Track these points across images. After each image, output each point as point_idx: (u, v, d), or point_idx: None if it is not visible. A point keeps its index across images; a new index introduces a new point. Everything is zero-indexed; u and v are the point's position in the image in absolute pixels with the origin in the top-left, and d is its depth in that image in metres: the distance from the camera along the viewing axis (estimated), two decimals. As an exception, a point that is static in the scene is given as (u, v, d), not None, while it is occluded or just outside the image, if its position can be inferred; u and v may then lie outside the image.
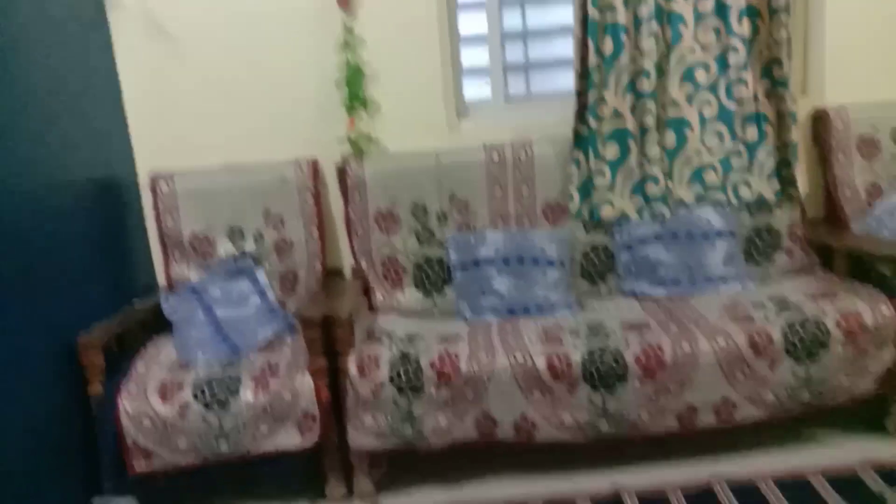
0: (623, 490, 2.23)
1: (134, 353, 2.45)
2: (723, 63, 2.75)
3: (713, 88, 2.77)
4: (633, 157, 2.76)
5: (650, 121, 2.73)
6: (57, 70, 2.40)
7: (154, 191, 2.80)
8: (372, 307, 2.80)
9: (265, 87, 2.87)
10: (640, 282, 2.76)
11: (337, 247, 2.98)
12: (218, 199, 2.80)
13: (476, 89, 3.07)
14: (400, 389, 2.23)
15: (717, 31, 2.73)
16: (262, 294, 2.71)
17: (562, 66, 3.01)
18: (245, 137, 2.89)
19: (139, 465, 2.24)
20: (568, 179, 2.80)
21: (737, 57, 2.72)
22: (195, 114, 2.89)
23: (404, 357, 2.27)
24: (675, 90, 2.78)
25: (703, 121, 2.79)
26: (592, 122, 2.74)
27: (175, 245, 2.81)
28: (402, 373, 2.24)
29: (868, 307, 2.29)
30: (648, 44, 2.68)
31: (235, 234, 2.82)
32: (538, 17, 3.05)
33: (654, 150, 2.75)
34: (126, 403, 2.21)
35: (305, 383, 2.24)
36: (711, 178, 2.80)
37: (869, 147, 2.86)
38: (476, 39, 3.02)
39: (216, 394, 2.21)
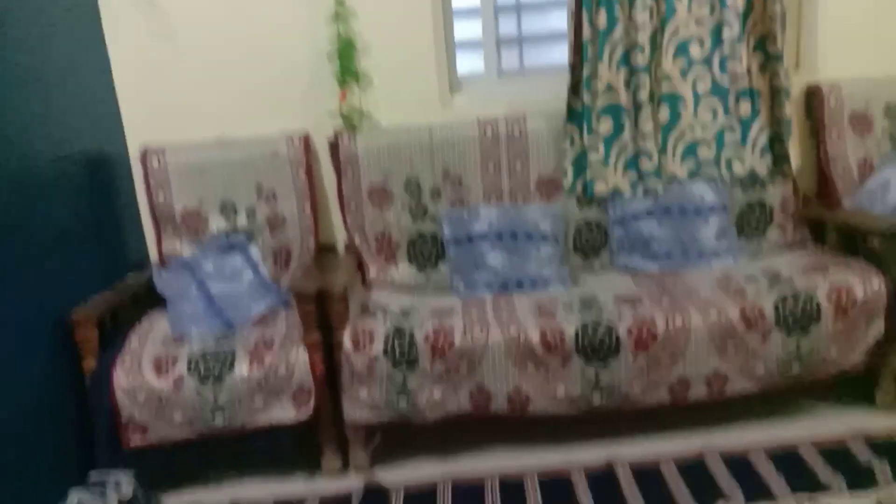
0: (616, 462, 2.25)
1: (127, 328, 2.44)
2: (717, 37, 2.74)
3: (707, 63, 2.76)
4: (626, 133, 2.75)
5: (644, 95, 2.72)
6: (43, 43, 2.37)
7: (145, 165, 2.77)
8: (365, 282, 2.79)
9: (256, 59, 2.84)
10: (633, 256, 2.77)
11: (330, 222, 2.97)
12: (210, 174, 2.78)
13: (469, 63, 3.05)
14: (394, 363, 2.24)
15: (712, 5, 2.71)
16: (255, 269, 2.70)
17: (556, 40, 2.99)
18: (236, 111, 2.86)
19: (134, 439, 2.24)
20: (562, 155, 2.79)
21: (731, 31, 2.70)
22: (185, 87, 2.85)
23: (399, 331, 2.27)
24: (669, 65, 2.77)
25: (696, 96, 2.78)
26: (586, 97, 2.73)
27: (167, 220, 2.80)
28: (396, 347, 2.24)
29: (859, 281, 2.31)
30: (643, 17, 2.66)
31: (228, 210, 2.81)
32: (532, -10, 3.03)
33: (647, 126, 2.75)
34: (120, 378, 2.20)
35: (300, 357, 2.24)
36: (704, 153, 2.80)
37: (861, 123, 2.87)
38: (469, 12, 2.99)
39: (211, 368, 2.21)
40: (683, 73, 2.77)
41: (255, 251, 2.74)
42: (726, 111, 2.78)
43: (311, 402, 2.26)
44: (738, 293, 2.36)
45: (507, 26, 3.04)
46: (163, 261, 2.81)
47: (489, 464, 2.34)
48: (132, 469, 2.19)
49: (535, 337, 2.24)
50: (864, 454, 2.17)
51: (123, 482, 2.10)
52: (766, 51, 2.74)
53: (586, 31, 2.67)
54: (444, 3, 2.91)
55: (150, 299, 2.61)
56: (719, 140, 2.80)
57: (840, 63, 2.91)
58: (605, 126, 2.76)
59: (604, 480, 2.18)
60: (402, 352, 2.24)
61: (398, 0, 2.81)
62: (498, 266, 2.66)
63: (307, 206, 2.82)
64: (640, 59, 2.69)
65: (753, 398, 2.35)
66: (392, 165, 2.78)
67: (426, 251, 2.82)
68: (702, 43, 2.75)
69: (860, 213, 2.69)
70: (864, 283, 2.30)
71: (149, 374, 2.21)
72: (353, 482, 2.31)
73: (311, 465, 2.40)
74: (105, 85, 2.80)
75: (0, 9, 2.13)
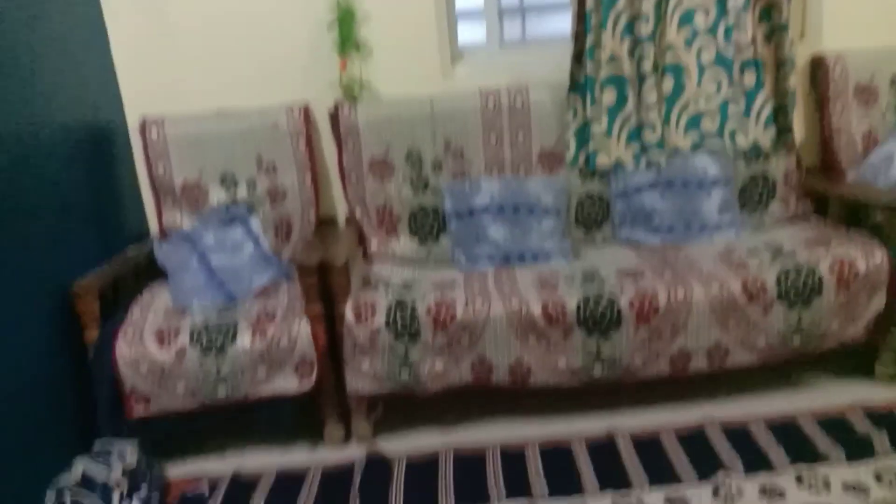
0: (617, 432, 2.27)
1: (128, 300, 2.44)
2: (722, 6, 2.70)
3: (712, 32, 2.72)
4: (630, 104, 2.73)
5: (648, 66, 2.69)
6: (40, 14, 2.33)
7: (144, 136, 2.75)
8: (366, 255, 2.79)
9: (255, 28, 2.80)
10: (635, 229, 2.76)
11: (330, 195, 2.96)
12: (209, 146, 2.76)
13: (470, 33, 3.01)
14: (397, 335, 2.24)
15: (717, -27, 2.68)
16: (256, 242, 2.70)
17: (558, 9, 2.95)
18: (235, 81, 2.83)
19: (137, 410, 2.25)
20: (564, 126, 2.77)
21: (736, 0, 2.67)
22: (184, 57, 2.82)
23: (400, 304, 2.27)
24: (674, 34, 2.73)
25: (700, 66, 2.75)
26: (589, 67, 2.69)
27: (167, 192, 2.78)
28: (398, 319, 2.24)
29: (861, 254, 2.31)
30: (648, -15, 2.62)
31: (228, 181, 2.79)
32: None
33: (651, 97, 2.72)
34: (123, 349, 2.21)
35: (302, 329, 2.24)
36: (708, 125, 2.78)
37: (866, 94, 2.84)
38: (471, -19, 2.96)
39: (213, 339, 2.22)
40: (688, 43, 2.73)
41: (255, 223, 2.73)
42: (731, 82, 2.75)
43: (314, 374, 2.27)
44: (740, 266, 2.36)
45: (510, -5, 3.01)
46: (163, 233, 2.80)
47: (490, 434, 2.36)
48: (136, 438, 2.21)
49: (536, 310, 2.25)
50: (862, 425, 2.19)
51: (128, 451, 2.12)
52: (772, 20, 2.71)
53: (590, 0, 2.63)
54: (445, -29, 2.87)
55: (151, 271, 2.61)
56: (723, 112, 2.78)
57: (846, 33, 2.87)
58: (609, 97, 2.74)
59: (604, 450, 2.20)
60: (404, 324, 2.24)
61: (399, -32, 2.77)
62: (499, 239, 2.66)
63: (308, 177, 2.80)
64: (644, 28, 2.66)
65: (754, 370, 2.36)
66: (393, 137, 2.76)
67: (427, 224, 2.81)
68: (707, 12, 2.71)
69: (863, 187, 2.68)
70: (867, 257, 2.30)
71: (151, 346, 2.21)
72: (355, 452, 2.33)
73: (313, 435, 2.42)
74: (103, 56, 2.77)
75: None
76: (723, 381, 2.41)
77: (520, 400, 2.45)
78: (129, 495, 2.03)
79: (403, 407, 2.44)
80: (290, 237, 2.81)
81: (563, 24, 2.79)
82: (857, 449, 2.06)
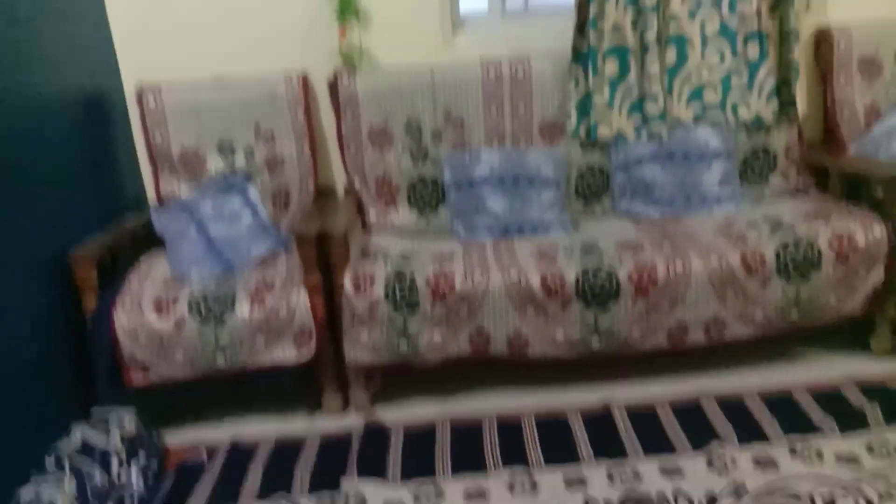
0: (613, 404, 2.28)
1: (126, 269, 2.43)
2: (727, -24, 2.67)
3: (716, 4, 2.69)
4: (632, 75, 2.70)
5: (651, 36, 2.66)
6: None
7: (141, 104, 2.72)
8: (365, 226, 2.78)
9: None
10: (634, 202, 2.75)
11: (329, 165, 2.94)
12: (207, 114, 2.74)
13: (472, 2, 2.97)
14: (395, 306, 2.25)
15: (722, -57, 2.64)
16: (254, 211, 2.68)
17: (561, -21, 2.91)
18: (232, 48, 2.79)
19: (136, 378, 2.26)
20: (566, 97, 2.75)
21: (741, -29, 2.64)
22: (180, 23, 2.78)
23: (399, 275, 2.27)
24: (677, 4, 2.69)
25: (704, 37, 2.72)
26: (592, 37, 2.66)
27: (164, 160, 2.76)
28: (397, 290, 2.24)
29: (861, 228, 2.31)
30: (652, -46, 2.58)
31: (226, 150, 2.77)
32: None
33: (654, 68, 2.70)
34: (121, 317, 2.21)
35: (301, 299, 2.24)
36: (711, 97, 2.76)
37: (870, 67, 2.82)
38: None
39: (212, 309, 2.22)
40: (692, 14, 2.70)
41: (253, 192, 2.72)
42: (734, 53, 2.72)
43: (312, 344, 2.27)
44: (739, 239, 2.35)
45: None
46: (161, 201, 2.79)
47: (488, 405, 2.37)
48: (134, 407, 2.22)
49: (535, 281, 2.25)
50: (856, 398, 2.21)
51: (126, 419, 2.13)
52: (777, -9, 2.68)
53: (593, -31, 2.59)
54: (446, -63, 2.82)
55: (149, 240, 2.60)
56: (725, 84, 2.75)
57: (850, 6, 2.85)
58: (611, 68, 2.71)
59: (600, 422, 2.21)
60: (402, 295, 2.24)
61: (399, -67, 2.72)
62: (499, 211, 2.65)
63: (306, 147, 2.78)
64: (648, -3, 2.63)
65: (750, 344, 2.37)
66: (392, 107, 2.74)
67: (427, 195, 2.80)
68: (711, -20, 2.68)
69: (864, 160, 2.66)
70: (866, 231, 2.30)
71: (149, 315, 2.21)
72: (353, 421, 2.35)
73: (311, 404, 2.44)
74: (100, 22, 2.72)
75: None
76: (719, 354, 2.42)
77: (517, 371, 2.46)
78: (128, 462, 2.05)
79: (401, 377, 2.45)
80: (288, 207, 2.80)
81: (565, -8, 2.76)
82: (851, 421, 2.08)
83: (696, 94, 2.76)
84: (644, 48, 2.69)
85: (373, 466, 2.08)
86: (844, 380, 2.31)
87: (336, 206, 2.75)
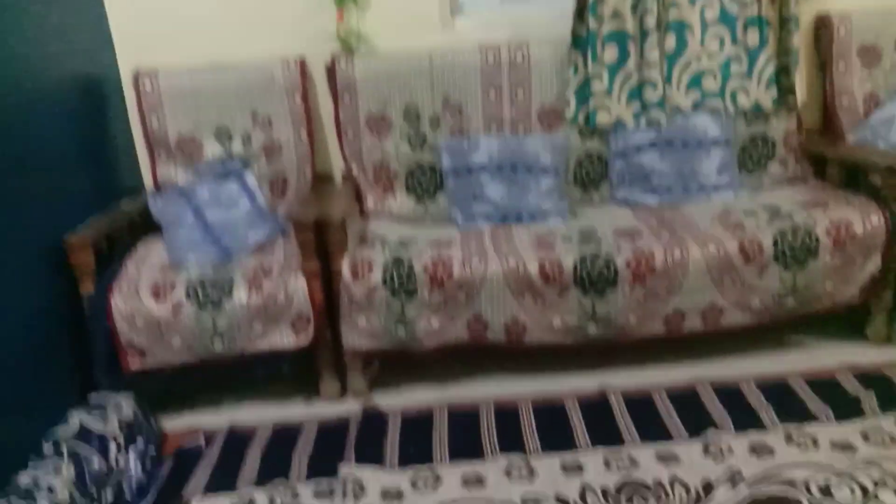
0: (609, 390, 2.29)
1: (123, 254, 2.43)
2: (728, -38, 2.65)
3: (716, -12, 2.68)
4: (631, 61, 2.69)
5: (651, 22, 2.64)
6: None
7: (137, 88, 2.70)
8: (363, 212, 2.77)
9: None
10: (633, 189, 2.75)
11: (327, 151, 2.93)
12: (204, 99, 2.72)
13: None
14: (393, 292, 2.25)
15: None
16: (251, 197, 2.67)
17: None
18: (229, 31, 2.77)
19: (133, 363, 2.26)
20: (565, 83, 2.73)
21: (742, -44, 2.62)
22: (177, 6, 2.75)
23: (397, 261, 2.27)
24: (678, -11, 2.68)
25: (704, 23, 2.71)
26: (592, 23, 2.65)
27: (161, 145, 2.75)
28: (395, 276, 2.24)
29: (859, 216, 2.31)
30: (652, -62, 2.56)
31: (223, 136, 2.76)
32: None
33: (653, 54, 2.68)
34: (119, 303, 2.21)
35: (299, 285, 2.24)
36: (710, 84, 2.75)
37: (870, 55, 2.81)
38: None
39: (209, 294, 2.21)
40: (692, 0, 2.68)
41: (251, 178, 2.71)
42: (734, 40, 2.71)
43: (310, 329, 2.27)
44: (737, 227, 2.36)
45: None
46: (158, 187, 2.78)
47: (485, 391, 2.38)
48: (132, 392, 2.22)
49: (533, 268, 2.25)
50: (851, 386, 2.22)
51: (124, 404, 2.13)
52: (777, -23, 2.66)
53: (593, -46, 2.57)
54: (445, -80, 2.79)
55: (146, 226, 2.59)
56: (725, 71, 2.74)
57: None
58: (610, 54, 2.70)
59: (597, 408, 2.22)
60: (400, 281, 2.24)
61: (397, -85, 2.70)
62: (497, 198, 2.64)
63: (303, 132, 2.77)
64: (648, -18, 2.61)
65: (747, 331, 2.38)
66: (391, 92, 2.72)
67: (425, 182, 2.79)
68: (711, -34, 2.66)
69: (863, 149, 2.66)
70: (864, 219, 2.30)
71: (147, 300, 2.21)
72: (351, 407, 2.35)
73: (309, 389, 2.44)
74: (96, 6, 2.70)
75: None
76: (715, 341, 2.43)
77: (515, 358, 2.47)
78: (126, 448, 2.05)
79: (399, 363, 2.45)
80: (285, 193, 2.79)
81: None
82: (846, 409, 2.09)
83: (696, 80, 2.75)
84: (644, 34, 2.67)
85: (370, 452, 2.08)
86: (840, 367, 2.32)
87: (334, 193, 2.74)
